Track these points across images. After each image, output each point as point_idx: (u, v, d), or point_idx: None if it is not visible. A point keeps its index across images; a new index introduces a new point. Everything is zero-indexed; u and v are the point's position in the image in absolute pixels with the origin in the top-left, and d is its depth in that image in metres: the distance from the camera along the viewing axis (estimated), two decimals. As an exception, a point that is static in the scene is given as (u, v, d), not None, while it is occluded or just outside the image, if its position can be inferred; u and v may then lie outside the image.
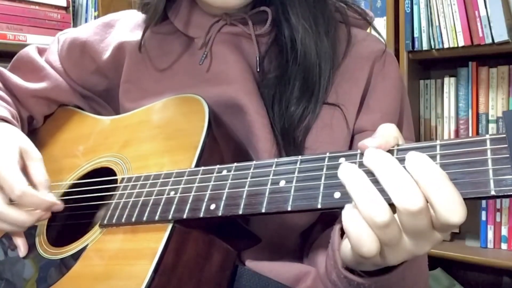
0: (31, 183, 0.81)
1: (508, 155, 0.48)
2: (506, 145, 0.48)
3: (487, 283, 1.91)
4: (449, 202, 0.48)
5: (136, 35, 0.96)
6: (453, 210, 0.48)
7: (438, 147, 0.52)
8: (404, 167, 0.51)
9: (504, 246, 1.76)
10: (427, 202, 0.49)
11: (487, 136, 0.50)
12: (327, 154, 0.59)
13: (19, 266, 0.83)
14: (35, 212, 0.79)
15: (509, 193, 0.46)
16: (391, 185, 0.51)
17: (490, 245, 1.77)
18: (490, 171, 0.48)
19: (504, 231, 1.76)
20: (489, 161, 0.49)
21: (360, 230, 0.52)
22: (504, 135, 0.49)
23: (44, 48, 1.08)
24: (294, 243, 0.88)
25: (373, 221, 0.50)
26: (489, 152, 0.49)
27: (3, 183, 0.78)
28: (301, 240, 0.88)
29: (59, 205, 0.81)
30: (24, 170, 0.83)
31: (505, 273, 1.83)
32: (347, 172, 0.53)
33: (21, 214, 0.78)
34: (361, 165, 0.55)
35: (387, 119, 0.84)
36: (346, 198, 0.53)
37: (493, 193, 0.47)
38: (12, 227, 0.80)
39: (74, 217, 0.86)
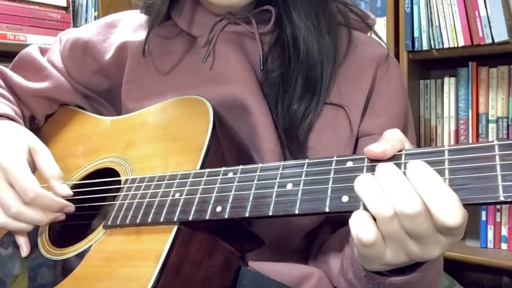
0: (42, 177, 0.82)
1: None
2: None
3: (487, 283, 1.91)
4: (444, 205, 0.49)
5: (138, 35, 0.96)
6: (448, 213, 0.49)
7: (446, 153, 0.52)
8: (404, 173, 0.53)
9: (504, 246, 1.76)
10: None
11: (495, 142, 0.50)
12: (334, 158, 0.59)
13: (10, 265, 0.83)
14: (51, 212, 0.80)
15: None
16: (390, 191, 0.52)
17: (490, 245, 1.78)
18: (499, 177, 0.48)
19: (504, 231, 1.76)
20: (498, 167, 0.49)
21: (361, 219, 0.53)
22: None
23: (46, 48, 1.08)
24: (298, 244, 0.88)
25: (379, 214, 0.52)
26: (497, 158, 0.49)
27: (15, 185, 0.78)
28: (306, 241, 0.88)
29: (71, 207, 0.81)
30: (33, 166, 0.83)
31: (505, 273, 1.83)
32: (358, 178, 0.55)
33: (38, 214, 0.79)
34: (368, 169, 0.55)
35: (394, 122, 0.85)
36: (354, 201, 0.54)
37: (502, 198, 0.47)
38: (27, 226, 0.80)
39: (77, 217, 0.86)
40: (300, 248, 0.88)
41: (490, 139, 1.75)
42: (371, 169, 0.55)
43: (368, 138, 0.84)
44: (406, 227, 0.52)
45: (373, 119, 0.85)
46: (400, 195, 0.51)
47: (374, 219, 0.54)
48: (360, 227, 0.53)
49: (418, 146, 1.67)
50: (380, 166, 0.54)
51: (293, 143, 0.81)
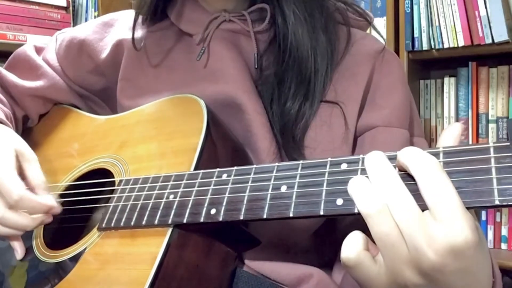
0: (28, 185, 0.81)
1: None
2: (510, 154, 0.48)
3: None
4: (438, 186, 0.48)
5: (135, 34, 0.96)
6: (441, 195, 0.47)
7: (441, 155, 0.52)
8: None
9: (504, 246, 1.76)
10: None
11: (491, 144, 0.49)
12: (329, 160, 0.58)
13: (8, 256, 0.83)
14: (37, 216, 0.79)
15: None
16: (378, 183, 0.51)
17: (490, 245, 1.77)
18: (494, 180, 0.47)
19: (504, 231, 1.76)
20: (493, 170, 0.48)
21: (352, 235, 0.52)
22: (508, 144, 0.48)
23: (42, 46, 1.08)
24: (304, 245, 0.86)
25: (365, 210, 0.50)
26: (492, 160, 0.48)
27: (0, 188, 0.77)
28: (315, 243, 0.87)
29: (57, 208, 0.80)
30: (21, 172, 0.83)
31: (505, 273, 1.83)
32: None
33: (23, 218, 0.78)
34: (363, 170, 0.55)
35: (397, 113, 0.84)
36: (349, 204, 0.53)
37: (497, 202, 0.46)
38: (14, 232, 0.80)
39: (71, 219, 0.86)
40: (306, 249, 0.87)
41: (490, 139, 1.75)
42: (366, 171, 0.54)
43: (373, 131, 0.83)
44: (398, 219, 0.49)
45: (375, 112, 0.84)
46: (389, 186, 0.50)
47: (370, 239, 0.52)
48: (345, 243, 0.52)
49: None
50: (368, 158, 0.53)
51: (288, 142, 0.80)
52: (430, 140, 1.89)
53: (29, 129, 1.05)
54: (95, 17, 2.25)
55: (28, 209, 0.78)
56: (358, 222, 0.53)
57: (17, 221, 0.78)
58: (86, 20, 2.30)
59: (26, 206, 0.78)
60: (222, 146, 0.76)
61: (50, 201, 0.80)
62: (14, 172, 0.79)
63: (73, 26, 2.24)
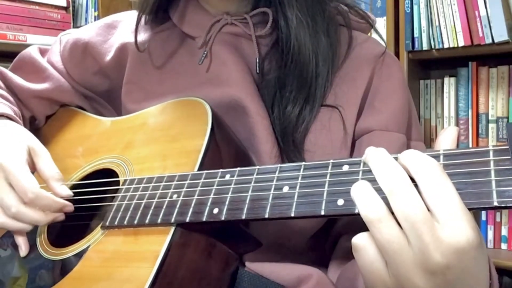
0: (41, 178, 0.82)
1: (510, 167, 0.48)
2: (509, 157, 0.48)
3: (486, 283, 1.90)
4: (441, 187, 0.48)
5: (139, 36, 0.96)
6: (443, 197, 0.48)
7: (441, 157, 0.52)
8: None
9: (504, 246, 1.76)
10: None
11: (490, 147, 0.50)
12: (331, 161, 0.59)
13: (9, 266, 0.84)
14: (50, 212, 0.80)
15: (511, 204, 0.47)
16: (383, 182, 0.51)
17: (490, 245, 1.78)
18: (493, 182, 0.48)
19: (504, 231, 1.76)
20: (492, 172, 0.49)
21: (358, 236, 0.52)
22: (507, 147, 0.49)
23: (46, 48, 1.08)
24: (302, 246, 0.87)
25: (365, 217, 0.50)
26: (492, 163, 0.49)
27: (15, 185, 0.79)
28: (313, 244, 0.88)
29: (70, 207, 0.82)
30: (32, 167, 0.84)
31: (505, 273, 1.83)
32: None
33: (38, 214, 0.79)
34: (364, 172, 0.55)
35: (395, 118, 0.85)
36: (350, 205, 0.54)
37: (495, 204, 0.47)
38: (26, 226, 0.81)
39: (75, 217, 0.86)
40: (304, 250, 0.88)
41: (490, 139, 1.75)
42: (367, 173, 0.55)
43: (370, 134, 0.84)
44: (405, 216, 0.49)
45: (373, 116, 0.84)
46: (395, 179, 0.50)
47: None
48: (356, 236, 0.52)
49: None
50: (371, 153, 0.54)
51: (289, 145, 0.81)
52: (430, 140, 1.89)
53: (36, 130, 1.05)
54: (95, 17, 2.25)
55: (42, 207, 0.79)
56: (353, 224, 0.54)
57: (31, 216, 0.79)
58: (86, 20, 2.30)
59: (40, 204, 0.79)
60: (225, 148, 0.77)
61: (65, 193, 0.81)
62: (27, 169, 0.81)
63: (73, 26, 2.25)
